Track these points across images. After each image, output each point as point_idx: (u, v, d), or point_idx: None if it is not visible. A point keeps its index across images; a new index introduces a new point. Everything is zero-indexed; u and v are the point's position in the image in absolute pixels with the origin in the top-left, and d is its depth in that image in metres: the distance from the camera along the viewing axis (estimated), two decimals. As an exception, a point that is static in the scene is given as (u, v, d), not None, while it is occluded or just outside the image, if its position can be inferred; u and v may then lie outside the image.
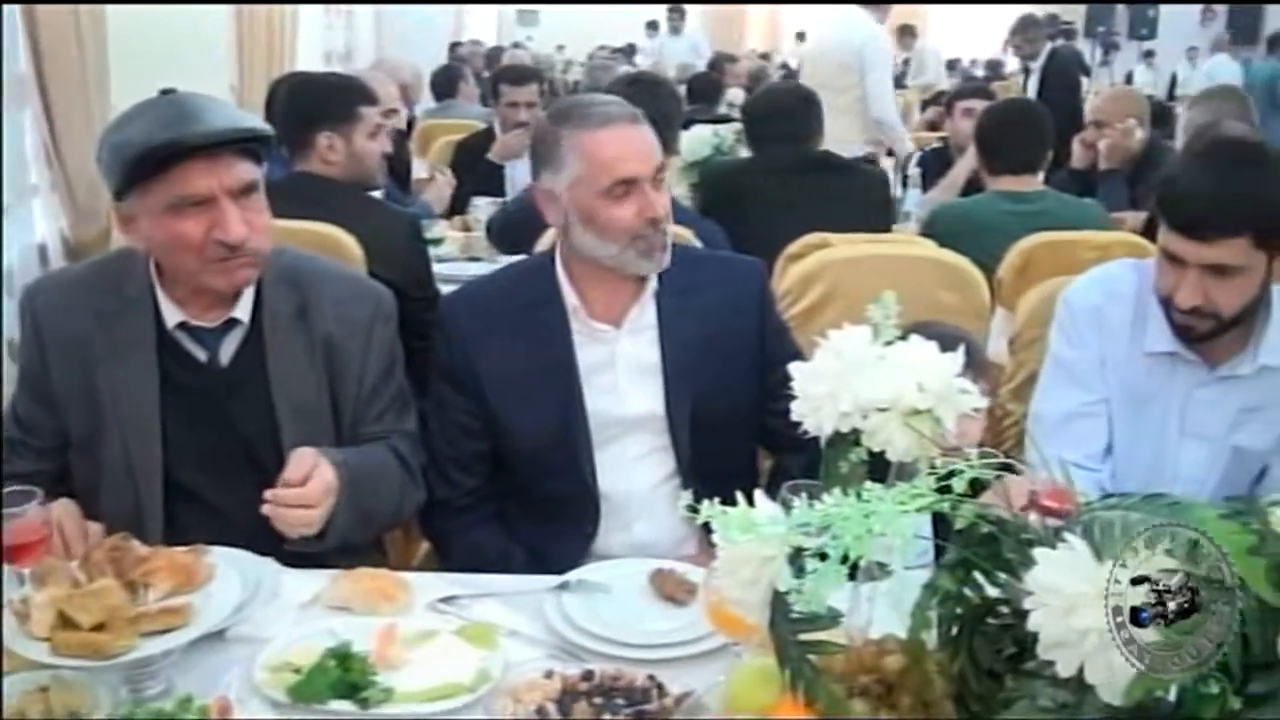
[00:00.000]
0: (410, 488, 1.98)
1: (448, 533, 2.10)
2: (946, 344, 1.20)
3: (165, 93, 1.85)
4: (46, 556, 1.56)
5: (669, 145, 3.14)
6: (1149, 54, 16.05)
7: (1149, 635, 0.90)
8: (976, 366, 2.08)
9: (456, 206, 4.51)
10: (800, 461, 1.94)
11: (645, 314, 2.04)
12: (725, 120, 5.03)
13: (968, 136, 4.07)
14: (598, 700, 1.38)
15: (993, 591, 1.08)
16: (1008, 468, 1.10)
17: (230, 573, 1.53)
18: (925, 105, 8.42)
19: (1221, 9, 17.10)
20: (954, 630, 1.09)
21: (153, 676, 1.43)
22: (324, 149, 2.91)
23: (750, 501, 1.09)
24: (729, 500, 1.10)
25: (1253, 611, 0.93)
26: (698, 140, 4.06)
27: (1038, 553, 0.95)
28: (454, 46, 12.61)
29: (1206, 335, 1.92)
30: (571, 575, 1.73)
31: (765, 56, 14.21)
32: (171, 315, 1.86)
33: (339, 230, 2.64)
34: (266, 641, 1.52)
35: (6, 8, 3.41)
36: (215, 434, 1.88)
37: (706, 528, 1.08)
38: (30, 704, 1.37)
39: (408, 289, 2.68)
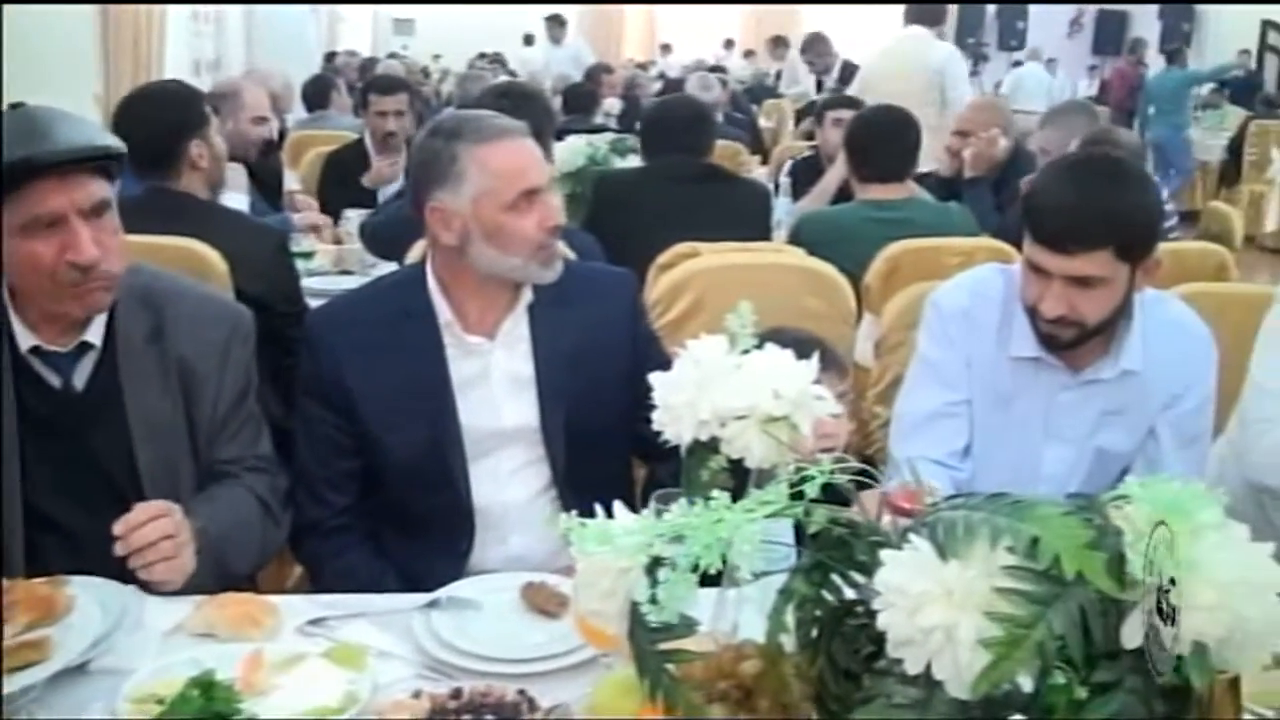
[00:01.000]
0: (271, 530, 1.94)
1: (320, 555, 2.06)
2: (801, 350, 1.22)
3: (15, 107, 1.80)
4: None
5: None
6: (1018, 64, 16.58)
7: (991, 629, 0.92)
8: (834, 369, 2.12)
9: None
10: (671, 470, 1.95)
11: (519, 326, 2.03)
12: (601, 130, 5.05)
13: (837, 146, 4.14)
14: (466, 718, 1.37)
15: (850, 593, 1.11)
16: (864, 473, 1.12)
17: (91, 603, 1.50)
18: (799, 115, 8.54)
19: (1088, 20, 17.77)
20: (813, 633, 1.11)
21: (15, 713, 1.38)
22: (194, 158, 2.86)
23: (631, 509, 1.10)
24: (607, 510, 1.10)
25: (1093, 604, 0.96)
26: (572, 151, 4.07)
27: (884, 554, 0.97)
28: (329, 56, 12.44)
29: (1070, 343, 1.98)
30: (442, 592, 1.71)
31: (642, 66, 14.28)
32: (25, 339, 1.80)
33: (202, 245, 2.59)
34: (130, 673, 1.48)
35: None
36: (72, 461, 1.82)
37: None
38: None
39: (274, 304, 2.64)
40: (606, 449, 2.07)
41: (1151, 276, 1.96)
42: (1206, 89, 12.11)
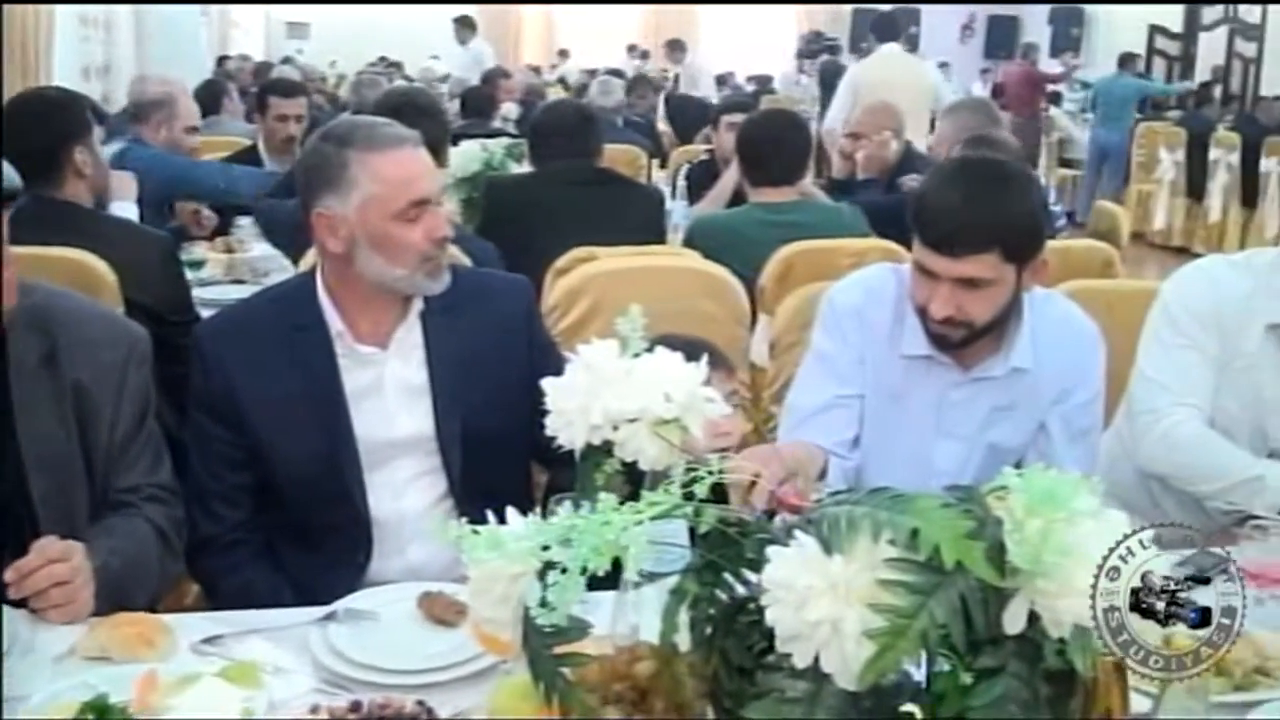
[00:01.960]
0: (169, 562, 1.89)
1: (216, 572, 2.02)
2: (691, 354, 1.23)
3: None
4: None
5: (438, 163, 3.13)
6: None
7: (875, 621, 0.95)
8: (723, 369, 2.15)
9: (219, 228, 4.36)
10: (572, 475, 1.96)
11: (412, 335, 2.02)
12: (498, 135, 5.03)
13: (732, 150, 4.19)
14: (365, 730, 1.36)
15: (742, 591, 1.12)
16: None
17: (-21, 630, 1.44)
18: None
19: (980, 25, 18.18)
20: (706, 631, 1.12)
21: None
22: (79, 165, 2.80)
23: (524, 514, 1.10)
24: (504, 517, 1.10)
25: (974, 592, 0.99)
26: (468, 156, 4.04)
27: (771, 551, 0.99)
28: (221, 60, 12.20)
29: (960, 343, 2.01)
30: (338, 605, 1.69)
31: (537, 70, 14.25)
32: None
33: (90, 256, 2.53)
34: (23, 699, 1.44)
35: None
36: None
37: None
38: None
39: (164, 314, 2.60)
40: (504, 456, 2.06)
41: (1038, 276, 2.01)
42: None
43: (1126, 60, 11.92)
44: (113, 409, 1.85)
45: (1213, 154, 10.11)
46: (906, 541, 0.97)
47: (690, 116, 7.72)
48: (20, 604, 1.61)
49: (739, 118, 4.57)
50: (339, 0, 16.55)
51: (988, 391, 2.10)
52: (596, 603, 1.23)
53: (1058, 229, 4.89)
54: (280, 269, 3.58)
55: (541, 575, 1.03)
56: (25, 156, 2.59)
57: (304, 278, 2.10)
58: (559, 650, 1.05)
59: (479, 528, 1.07)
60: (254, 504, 2.03)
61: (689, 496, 1.08)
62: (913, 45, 17.48)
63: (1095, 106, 11.71)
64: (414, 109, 3.26)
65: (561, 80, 13.42)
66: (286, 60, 13.70)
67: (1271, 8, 12.21)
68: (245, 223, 4.07)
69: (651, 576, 1.11)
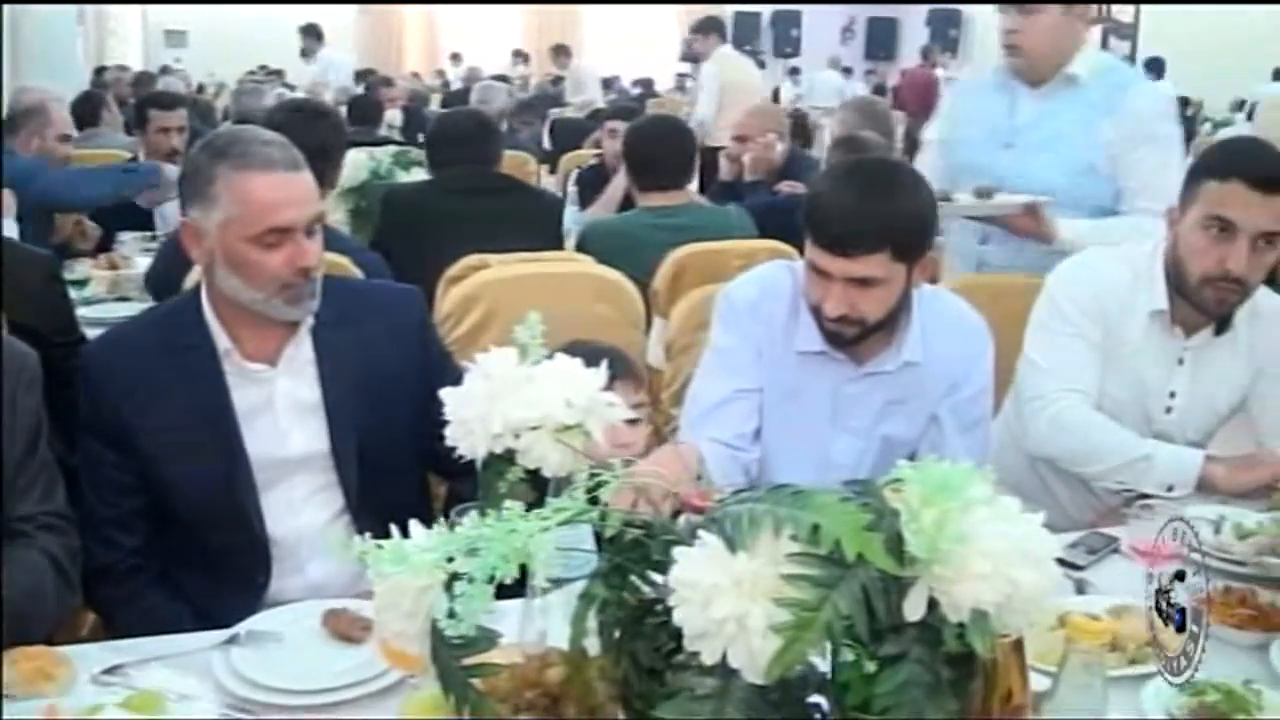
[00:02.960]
0: (65, 594, 1.82)
1: (114, 600, 1.97)
2: (594, 361, 1.24)
3: None
4: None
5: (327, 179, 3.08)
6: (794, 71, 17.16)
7: (781, 615, 0.97)
8: (631, 380, 2.16)
9: (102, 244, 4.24)
10: (472, 486, 1.94)
11: (302, 351, 1.99)
12: (384, 143, 4.97)
13: (618, 155, 4.21)
14: (272, 752, 1.34)
15: (649, 592, 1.13)
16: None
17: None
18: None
19: (860, 27, 18.51)
20: (615, 634, 1.13)
21: None
22: None
23: (426, 527, 1.09)
24: (405, 531, 1.10)
25: (875, 582, 1.02)
26: (355, 165, 3.98)
27: (676, 551, 1.00)
28: (98, 71, 11.84)
29: (853, 340, 2.06)
30: (240, 627, 1.66)
31: (417, 75, 14.11)
32: None
33: (-32, 276, 2.44)
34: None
35: None
36: None
37: None
38: None
39: (48, 335, 2.50)
40: (401, 470, 2.05)
41: (926, 273, 2.07)
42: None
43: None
44: (4, 435, 1.79)
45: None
46: (808, 536, 0.99)
47: (578, 139, 7.69)
48: None
49: (618, 124, 4.62)
50: (217, 0, 16.16)
51: (881, 386, 2.14)
52: (503, 612, 1.23)
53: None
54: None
55: (448, 586, 1.03)
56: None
57: (190, 295, 2.05)
58: (468, 661, 1.04)
59: (383, 542, 1.06)
60: (149, 529, 1.98)
61: (594, 501, 1.09)
62: (794, 48, 17.83)
63: None
64: (312, 112, 3.23)
65: (445, 85, 13.29)
66: (165, 70, 13.35)
67: (1144, 8, 12.65)
68: (128, 238, 3.97)
69: (558, 582, 1.12)
